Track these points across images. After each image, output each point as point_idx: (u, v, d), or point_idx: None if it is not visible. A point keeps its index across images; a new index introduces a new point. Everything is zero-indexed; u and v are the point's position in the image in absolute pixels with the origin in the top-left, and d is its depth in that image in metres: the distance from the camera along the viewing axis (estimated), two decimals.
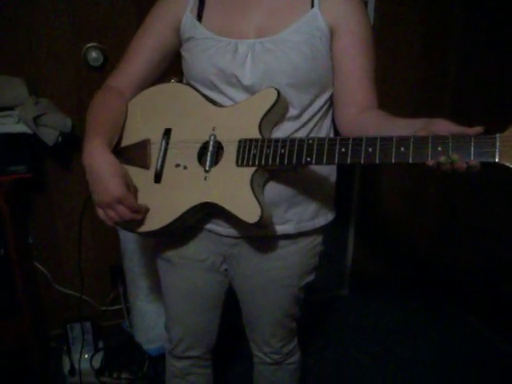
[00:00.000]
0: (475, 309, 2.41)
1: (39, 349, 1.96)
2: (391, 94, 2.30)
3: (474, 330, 2.35)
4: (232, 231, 1.17)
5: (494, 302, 2.25)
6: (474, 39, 2.25)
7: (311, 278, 1.31)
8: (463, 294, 2.48)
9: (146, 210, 1.09)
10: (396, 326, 2.39)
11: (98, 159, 1.03)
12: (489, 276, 2.26)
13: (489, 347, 2.23)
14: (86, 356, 1.99)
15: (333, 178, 1.23)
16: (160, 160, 1.12)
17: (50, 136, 1.72)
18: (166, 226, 1.09)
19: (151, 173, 1.13)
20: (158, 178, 1.12)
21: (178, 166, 1.10)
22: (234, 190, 1.03)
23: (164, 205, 1.10)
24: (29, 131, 1.70)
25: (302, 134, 1.11)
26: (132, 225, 1.12)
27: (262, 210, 1.00)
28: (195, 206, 1.07)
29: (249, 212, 1.01)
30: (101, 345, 2.07)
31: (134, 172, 1.14)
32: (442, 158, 0.83)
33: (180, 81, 1.23)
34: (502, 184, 1.94)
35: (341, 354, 2.19)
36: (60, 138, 1.75)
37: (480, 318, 2.37)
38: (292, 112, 1.09)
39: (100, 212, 1.06)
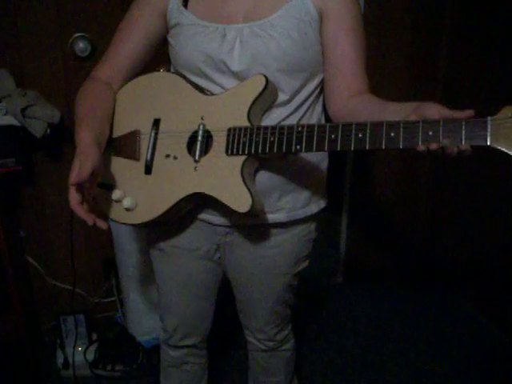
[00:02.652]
0: (471, 296, 2.41)
1: (32, 342, 1.95)
2: (381, 79, 2.29)
3: (470, 318, 2.34)
4: (224, 220, 1.17)
5: (491, 288, 2.24)
6: (466, 24, 2.24)
7: (305, 264, 1.31)
8: (459, 281, 2.49)
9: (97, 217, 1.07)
10: (390, 314, 2.39)
11: (83, 150, 1.02)
12: (485, 262, 2.25)
13: (485, 334, 2.22)
14: (80, 349, 1.99)
15: (324, 164, 1.22)
16: (150, 151, 1.11)
17: (38, 128, 1.70)
18: (158, 218, 1.09)
19: (141, 164, 1.12)
20: (148, 169, 1.11)
21: (167, 156, 1.09)
22: (224, 179, 1.03)
23: (155, 196, 1.09)
24: (17, 123, 1.67)
25: (292, 120, 1.10)
26: (122, 216, 1.11)
27: (252, 199, 0.99)
28: (186, 197, 1.06)
29: (239, 201, 1.00)
30: (94, 337, 2.07)
31: (125, 163, 1.14)
32: (433, 144, 0.82)
33: (168, 70, 1.21)
34: (493, 168, 1.94)
35: (334, 343, 2.20)
36: (48, 130, 1.73)
37: (476, 305, 2.37)
38: (282, 97, 1.08)
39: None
